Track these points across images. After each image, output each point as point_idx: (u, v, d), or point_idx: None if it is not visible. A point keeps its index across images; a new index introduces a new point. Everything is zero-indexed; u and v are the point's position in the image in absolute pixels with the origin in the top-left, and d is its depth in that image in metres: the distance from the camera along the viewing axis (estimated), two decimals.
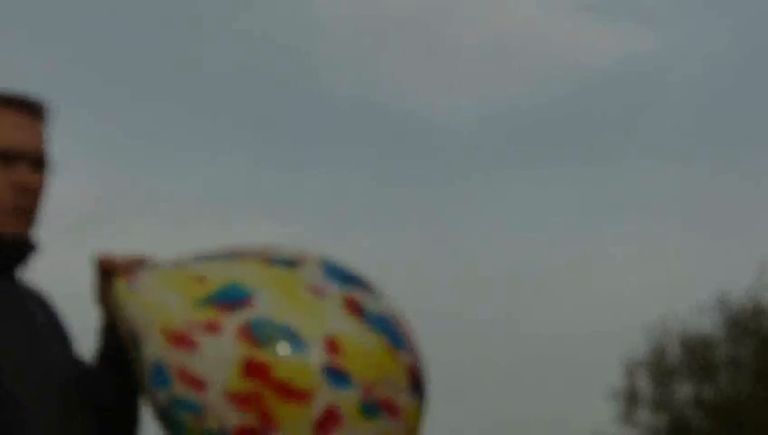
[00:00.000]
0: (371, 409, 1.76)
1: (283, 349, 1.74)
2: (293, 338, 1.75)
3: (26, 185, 1.85)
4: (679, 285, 36.80)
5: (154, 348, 1.80)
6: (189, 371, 1.76)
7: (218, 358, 1.75)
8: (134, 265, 1.88)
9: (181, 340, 1.78)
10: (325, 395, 1.73)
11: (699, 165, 39.02)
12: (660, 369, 24.37)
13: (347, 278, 1.87)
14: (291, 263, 1.86)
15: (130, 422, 1.95)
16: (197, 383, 1.75)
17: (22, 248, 1.87)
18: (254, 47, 42.48)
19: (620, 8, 40.45)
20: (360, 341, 1.78)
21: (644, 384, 24.52)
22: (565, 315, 36.55)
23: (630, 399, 24.42)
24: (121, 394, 1.93)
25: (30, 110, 1.89)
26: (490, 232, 39.56)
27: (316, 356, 1.74)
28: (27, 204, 1.86)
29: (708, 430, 23.56)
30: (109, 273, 1.89)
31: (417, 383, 1.85)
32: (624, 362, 24.71)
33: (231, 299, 1.80)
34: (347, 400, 1.74)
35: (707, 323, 24.28)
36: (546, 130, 41.06)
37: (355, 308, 1.82)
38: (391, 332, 1.84)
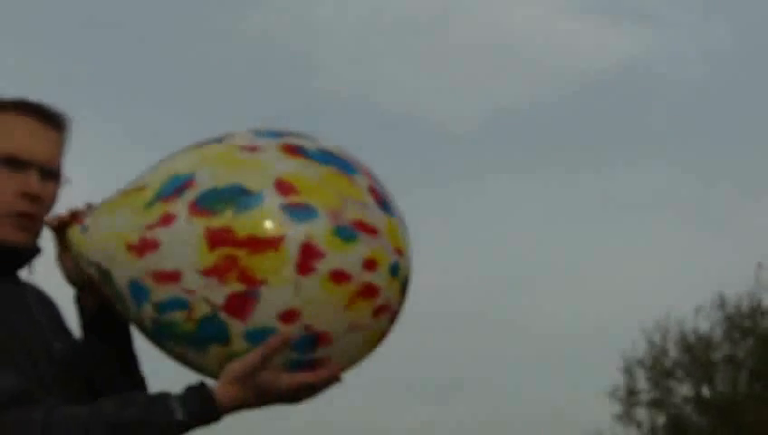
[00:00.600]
0: (346, 232, 1.73)
1: (237, 207, 1.72)
2: (243, 194, 1.73)
3: (34, 193, 1.84)
4: (678, 285, 36.88)
5: (123, 270, 1.78)
6: (161, 269, 1.73)
7: (181, 244, 1.72)
8: (80, 213, 1.87)
9: (143, 246, 1.76)
10: (295, 233, 1.70)
11: (699, 165, 39.11)
12: (659, 368, 24.43)
13: (278, 133, 1.85)
14: (220, 139, 1.85)
15: (132, 384, 1.95)
16: (172, 276, 1.72)
17: (23, 255, 1.88)
18: (254, 47, 42.57)
19: (621, 10, 40.53)
20: (308, 174, 1.76)
21: (642, 383, 24.62)
22: (563, 315, 36.63)
23: (629, 398, 24.51)
24: (113, 359, 1.94)
25: (46, 118, 1.88)
26: (489, 232, 39.64)
27: (271, 200, 1.72)
28: (33, 212, 1.85)
29: (707, 429, 23.62)
30: (62, 231, 1.87)
31: (383, 201, 1.82)
32: (623, 362, 24.81)
33: (175, 187, 1.78)
34: (318, 230, 1.71)
35: (706, 323, 24.38)
36: (546, 131, 41.11)
37: (294, 150, 1.80)
38: (337, 161, 1.81)
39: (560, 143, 41.30)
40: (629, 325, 31.49)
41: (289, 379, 1.73)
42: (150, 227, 1.76)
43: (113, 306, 1.89)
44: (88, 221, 1.85)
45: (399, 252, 1.81)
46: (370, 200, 1.79)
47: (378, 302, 1.77)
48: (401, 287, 1.83)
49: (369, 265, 1.74)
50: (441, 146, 40.94)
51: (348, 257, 1.72)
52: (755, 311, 23.67)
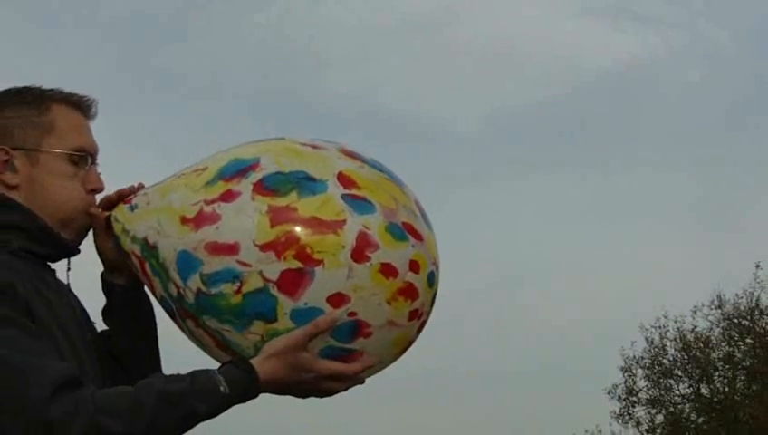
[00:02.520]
0: (398, 231, 1.79)
1: (301, 190, 1.77)
2: (308, 179, 1.78)
3: (101, 188, 1.90)
4: (676, 285, 36.96)
5: (173, 242, 1.79)
6: (218, 241, 1.75)
7: (243, 218, 1.75)
8: (127, 194, 1.90)
9: (201, 219, 1.77)
10: (354, 222, 1.75)
11: (698, 165, 39.18)
12: (658, 367, 24.49)
13: (334, 142, 1.92)
14: (281, 137, 1.91)
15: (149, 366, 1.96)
16: (229, 248, 1.74)
17: (76, 251, 1.91)
18: (261, 47, 42.64)
19: (623, 11, 40.63)
20: (367, 175, 1.83)
21: (641, 382, 24.69)
22: (564, 314, 36.71)
23: (628, 396, 24.57)
24: (137, 343, 1.97)
25: (87, 109, 1.91)
26: (491, 232, 39.73)
27: (334, 189, 1.77)
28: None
29: (705, 428, 23.68)
30: (107, 212, 1.89)
31: (425, 216, 1.90)
32: (622, 360, 24.89)
33: (238, 169, 1.81)
34: (374, 223, 1.76)
35: (704, 323, 24.44)
36: (548, 131, 41.24)
37: (352, 154, 1.88)
38: (389, 172, 1.90)
39: (560, 143, 41.41)
40: (628, 325, 31.64)
41: (324, 364, 1.77)
42: (210, 202, 1.78)
43: (140, 291, 1.93)
44: (136, 200, 1.88)
45: (436, 265, 1.87)
46: (417, 211, 1.87)
47: (414, 305, 1.81)
48: (432, 298, 1.88)
49: (414, 266, 1.80)
50: (443, 145, 41.05)
51: (397, 254, 1.78)
52: (753, 310, 23.74)
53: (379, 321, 1.77)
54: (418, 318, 1.84)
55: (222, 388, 1.69)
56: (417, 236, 1.82)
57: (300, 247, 1.73)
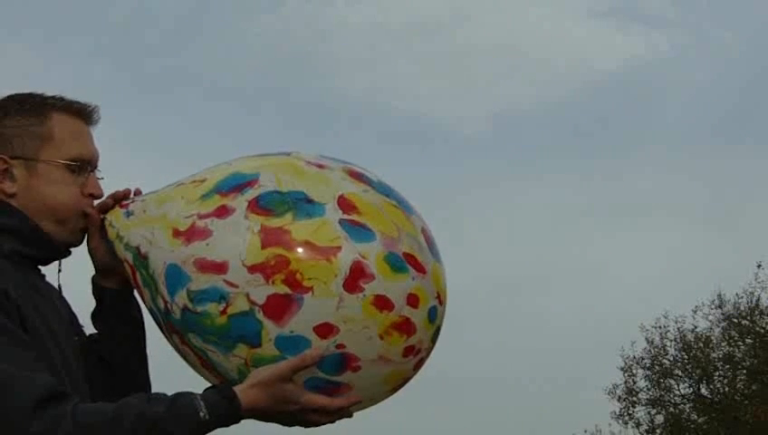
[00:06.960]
0: (398, 262, 1.70)
1: (298, 212, 1.69)
2: (306, 201, 1.70)
3: (99, 194, 1.89)
4: (677, 285, 36.99)
5: (165, 254, 1.74)
6: (207, 258, 1.69)
7: (234, 237, 1.68)
8: (123, 198, 1.89)
9: (193, 234, 1.72)
10: (350, 249, 1.67)
11: (699, 166, 39.19)
12: (658, 367, 24.50)
13: (343, 160, 1.85)
14: (287, 153, 1.84)
15: (136, 374, 1.97)
16: (218, 266, 1.68)
17: (61, 252, 1.89)
18: (272, 47, 42.65)
19: (630, 12, 40.66)
20: (371, 200, 1.75)
21: (642, 382, 24.70)
22: (565, 314, 36.75)
23: (628, 396, 24.58)
24: (127, 346, 1.96)
25: (89, 116, 1.90)
26: (495, 232, 39.74)
27: (332, 213, 1.69)
28: (92, 212, 1.89)
29: (705, 428, 23.69)
30: (101, 220, 1.88)
31: (432, 245, 1.80)
32: (622, 361, 24.90)
33: (236, 184, 1.75)
34: (371, 252, 1.68)
35: (704, 322, 24.45)
36: (552, 132, 41.26)
37: (359, 177, 1.79)
38: (397, 196, 1.81)
39: (564, 144, 41.42)
40: (628, 325, 31.66)
41: (308, 397, 1.73)
42: (203, 217, 1.73)
43: (130, 296, 1.91)
44: (133, 207, 1.84)
45: (440, 299, 1.78)
46: (422, 241, 1.77)
47: (411, 341, 1.73)
48: (434, 335, 1.79)
49: (412, 300, 1.71)
50: (449, 146, 41.07)
51: (394, 286, 1.69)
52: (754, 310, 23.73)
53: (370, 355, 1.70)
54: (415, 355, 1.76)
55: (202, 414, 1.67)
56: (420, 269, 1.73)
57: (289, 272, 1.65)
